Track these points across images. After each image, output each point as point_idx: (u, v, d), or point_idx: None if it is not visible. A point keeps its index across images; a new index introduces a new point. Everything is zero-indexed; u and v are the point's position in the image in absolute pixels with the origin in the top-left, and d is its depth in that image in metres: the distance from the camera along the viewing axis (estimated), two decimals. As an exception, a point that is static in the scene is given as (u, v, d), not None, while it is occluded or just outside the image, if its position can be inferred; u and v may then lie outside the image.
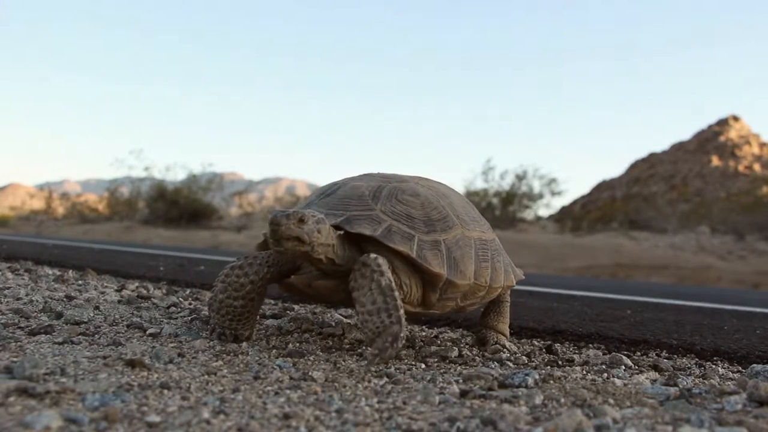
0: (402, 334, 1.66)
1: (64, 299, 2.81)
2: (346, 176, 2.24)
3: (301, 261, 1.93)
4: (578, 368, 1.99)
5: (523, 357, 2.16)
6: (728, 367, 2.30)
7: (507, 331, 2.38)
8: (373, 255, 1.75)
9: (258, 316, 2.40)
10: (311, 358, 1.84)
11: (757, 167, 42.24)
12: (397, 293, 1.68)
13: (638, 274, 11.70)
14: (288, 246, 1.68)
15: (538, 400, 1.48)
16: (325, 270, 1.86)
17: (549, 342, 2.59)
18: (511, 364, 2.02)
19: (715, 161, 43.35)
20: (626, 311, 4.14)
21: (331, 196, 2.03)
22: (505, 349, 2.24)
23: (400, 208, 1.94)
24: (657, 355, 2.53)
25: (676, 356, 2.52)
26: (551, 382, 1.72)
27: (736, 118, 46.56)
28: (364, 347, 2.05)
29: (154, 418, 1.15)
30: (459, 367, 1.89)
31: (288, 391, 1.43)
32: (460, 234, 2.00)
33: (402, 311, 1.67)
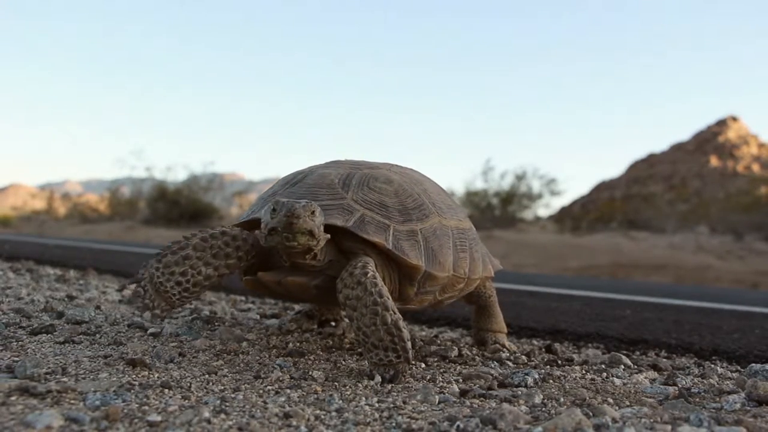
0: (407, 369, 1.62)
1: (66, 299, 2.82)
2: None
3: (276, 255, 1.75)
4: (577, 368, 2.00)
5: (523, 356, 2.17)
6: (727, 367, 2.30)
7: (504, 328, 2.35)
8: (361, 264, 1.62)
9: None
10: (311, 358, 1.85)
11: (755, 167, 42.30)
12: (404, 329, 1.57)
13: (637, 274, 11.70)
14: (301, 241, 1.54)
15: (538, 399, 1.49)
16: (304, 266, 1.70)
17: (548, 341, 2.60)
18: (510, 364, 2.03)
19: (714, 161, 43.40)
20: (625, 311, 4.15)
21: (298, 185, 1.89)
22: (504, 349, 2.23)
23: (373, 196, 1.81)
24: (656, 354, 2.53)
25: (675, 356, 2.53)
26: (551, 381, 1.72)
27: (734, 119, 46.63)
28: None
29: (154, 417, 1.15)
30: (459, 367, 1.89)
31: (288, 391, 1.43)
32: (437, 223, 1.89)
33: (410, 346, 1.58)
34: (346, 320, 2.55)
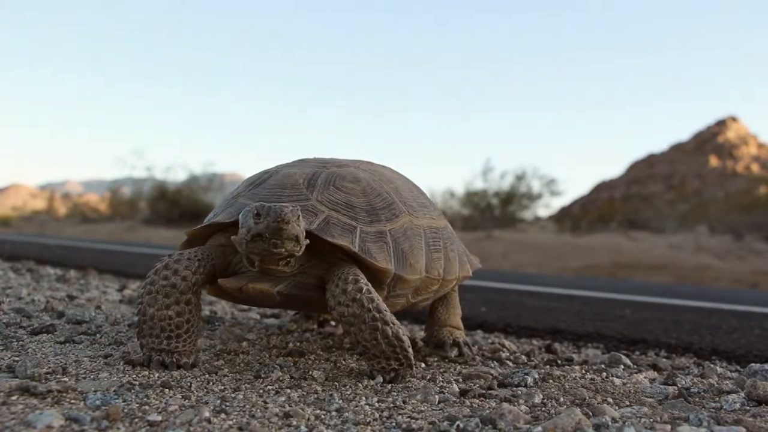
0: (409, 373, 1.60)
1: (66, 299, 2.82)
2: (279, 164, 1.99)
3: (242, 260, 1.65)
4: (577, 367, 2.00)
5: (523, 356, 2.17)
6: (726, 367, 2.30)
7: (461, 324, 2.19)
8: (352, 278, 1.55)
9: (201, 331, 2.00)
10: (311, 358, 1.85)
11: (755, 167, 42.36)
12: (405, 338, 1.54)
13: (637, 274, 11.71)
14: (288, 247, 1.47)
15: (538, 399, 1.49)
16: (274, 272, 1.60)
17: (548, 341, 2.60)
18: (510, 364, 2.03)
19: (714, 162, 43.45)
20: (625, 311, 4.15)
21: (261, 186, 1.80)
22: (463, 345, 2.05)
23: (339, 196, 1.73)
24: (656, 354, 2.54)
25: (674, 355, 2.53)
26: (550, 381, 1.72)
27: (734, 119, 46.70)
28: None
29: (155, 416, 1.16)
30: (459, 367, 1.90)
31: (288, 390, 1.44)
32: (407, 223, 1.80)
33: (411, 353, 1.57)
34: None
